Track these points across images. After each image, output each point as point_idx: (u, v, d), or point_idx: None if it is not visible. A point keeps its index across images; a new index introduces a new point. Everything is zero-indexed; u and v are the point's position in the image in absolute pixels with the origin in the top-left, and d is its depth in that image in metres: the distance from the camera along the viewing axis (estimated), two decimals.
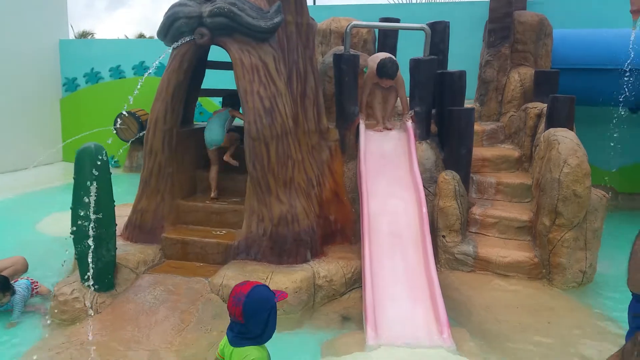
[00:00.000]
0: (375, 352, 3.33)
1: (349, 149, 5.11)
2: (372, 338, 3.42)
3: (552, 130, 4.71)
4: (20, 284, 4.07)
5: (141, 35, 20.78)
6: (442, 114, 5.34)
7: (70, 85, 10.22)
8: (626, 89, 6.04)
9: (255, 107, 4.11)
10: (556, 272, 4.41)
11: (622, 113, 6.40)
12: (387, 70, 5.05)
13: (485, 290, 4.32)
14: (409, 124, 5.16)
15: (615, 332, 3.74)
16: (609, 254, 4.92)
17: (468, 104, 5.68)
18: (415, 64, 5.14)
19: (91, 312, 3.65)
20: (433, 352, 3.33)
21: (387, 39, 6.44)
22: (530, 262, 4.53)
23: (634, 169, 7.41)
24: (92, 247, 3.66)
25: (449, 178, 4.79)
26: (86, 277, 3.72)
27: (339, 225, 4.82)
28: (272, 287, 3.83)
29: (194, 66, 4.54)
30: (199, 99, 5.76)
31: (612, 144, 6.36)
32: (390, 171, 4.88)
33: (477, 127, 5.72)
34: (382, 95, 5.31)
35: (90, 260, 3.65)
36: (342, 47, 5.40)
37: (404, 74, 5.25)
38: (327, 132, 4.91)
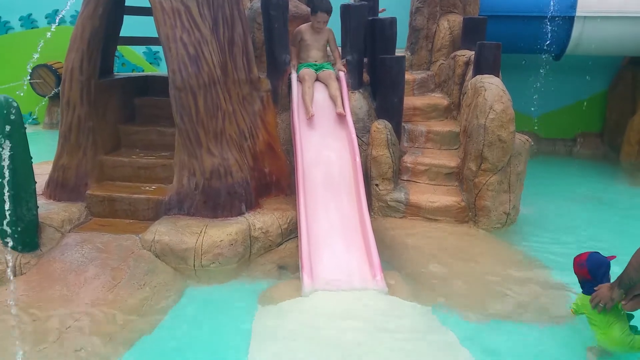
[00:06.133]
0: (311, 297, 3.41)
1: (282, 100, 5.01)
2: (308, 284, 3.49)
3: (478, 77, 4.82)
4: None
5: None
6: (373, 63, 5.33)
7: None
8: (549, 36, 6.27)
9: (179, 55, 3.91)
10: (481, 215, 4.62)
11: (545, 60, 6.66)
12: (325, 4, 4.94)
13: (416, 234, 4.47)
14: (341, 73, 5.12)
15: (535, 266, 4.04)
16: (531, 196, 5.23)
17: (399, 53, 5.68)
18: (345, 10, 5.05)
19: (10, 273, 3.46)
20: (366, 294, 3.45)
21: None
22: (457, 206, 4.72)
23: (555, 115, 7.80)
24: (10, 206, 3.43)
25: (381, 127, 4.84)
26: (6, 237, 3.51)
27: (273, 178, 4.78)
28: (206, 241, 3.86)
29: (110, 11, 4.23)
30: (120, 48, 5.42)
31: (535, 91, 6.63)
32: (324, 122, 4.86)
33: (408, 76, 5.76)
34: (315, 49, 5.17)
35: (8, 220, 3.43)
36: None
37: (335, 21, 5.16)
38: (258, 82, 4.77)
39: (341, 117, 4.77)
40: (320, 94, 4.98)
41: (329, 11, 5.01)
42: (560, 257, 4.17)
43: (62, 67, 8.24)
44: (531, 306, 3.44)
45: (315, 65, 5.08)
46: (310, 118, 4.74)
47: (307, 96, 4.81)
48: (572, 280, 3.77)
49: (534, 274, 3.87)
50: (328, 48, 5.28)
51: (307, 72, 4.96)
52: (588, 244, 4.45)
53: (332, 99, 4.89)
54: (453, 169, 4.99)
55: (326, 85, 4.99)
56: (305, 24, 5.15)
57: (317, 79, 5.04)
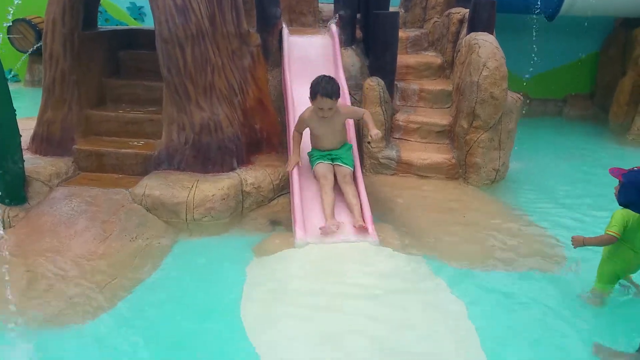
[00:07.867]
0: (304, 248, 3.42)
1: (273, 55, 4.91)
2: (301, 236, 3.50)
3: (473, 34, 4.76)
4: None
5: None
6: (367, 19, 5.22)
7: None
8: None
9: (166, 5, 3.77)
10: (472, 171, 4.64)
11: (539, 21, 6.57)
12: (324, 86, 3.82)
13: (407, 190, 4.49)
14: (334, 28, 5.01)
15: (522, 219, 4.09)
16: (521, 153, 5.25)
17: (393, 10, 5.56)
18: None
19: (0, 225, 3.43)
20: (358, 245, 3.47)
21: None
22: (448, 163, 4.74)
23: (546, 76, 7.75)
24: None
25: (374, 84, 4.78)
26: None
27: (264, 134, 4.72)
28: (198, 195, 3.82)
29: None
30: (103, 3, 5.23)
31: (528, 51, 6.56)
32: (316, 77, 4.77)
33: (401, 34, 5.67)
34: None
35: None
36: None
37: None
38: (247, 37, 4.66)
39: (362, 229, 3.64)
40: (312, 49, 4.90)
41: (331, 95, 3.79)
42: (546, 211, 4.26)
43: (43, 22, 8.00)
44: (518, 255, 3.51)
45: (330, 155, 4.07)
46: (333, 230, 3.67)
47: (326, 205, 3.77)
48: (558, 232, 3.87)
49: (521, 227, 3.94)
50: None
51: (323, 174, 3.95)
52: (573, 200, 4.53)
53: (349, 207, 3.84)
54: (444, 127, 4.98)
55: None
56: (308, 110, 4.02)
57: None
